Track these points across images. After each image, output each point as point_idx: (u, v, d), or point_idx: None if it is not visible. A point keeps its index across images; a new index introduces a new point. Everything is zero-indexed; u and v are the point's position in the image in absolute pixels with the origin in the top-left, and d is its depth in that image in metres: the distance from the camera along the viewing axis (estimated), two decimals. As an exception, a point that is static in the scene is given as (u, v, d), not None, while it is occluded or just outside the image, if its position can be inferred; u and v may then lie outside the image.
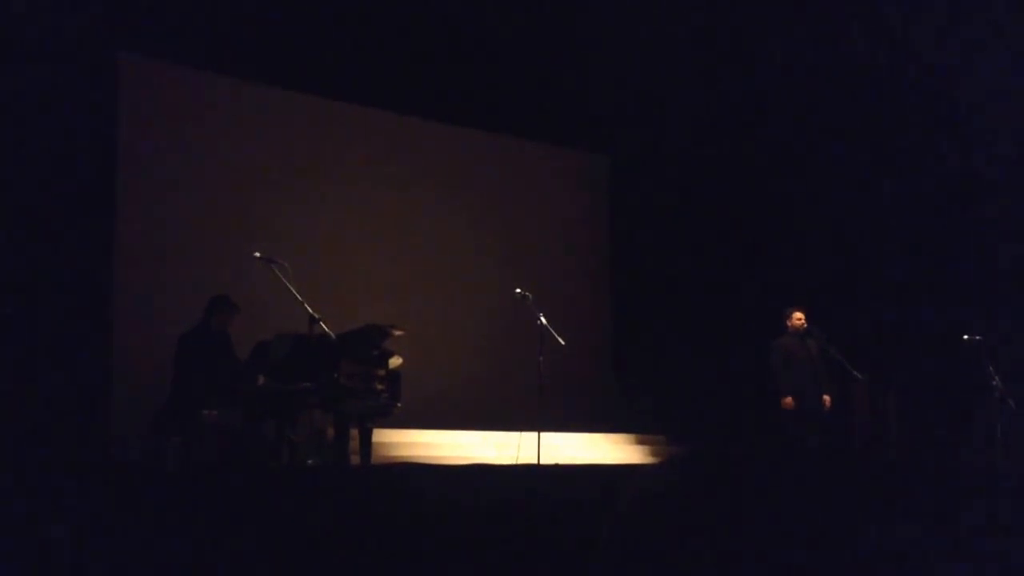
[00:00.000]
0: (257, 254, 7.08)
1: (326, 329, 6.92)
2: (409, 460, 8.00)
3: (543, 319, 7.93)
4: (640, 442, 10.40)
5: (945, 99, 9.83)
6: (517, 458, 8.15)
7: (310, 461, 7.18)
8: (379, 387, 7.14)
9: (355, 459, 7.30)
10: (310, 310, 6.91)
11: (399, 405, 7.42)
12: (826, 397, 8.67)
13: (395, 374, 7.34)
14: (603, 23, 10.19)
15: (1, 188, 7.77)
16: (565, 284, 11.03)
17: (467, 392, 10.14)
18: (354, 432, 7.25)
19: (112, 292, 8.43)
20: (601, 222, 11.99)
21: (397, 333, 7.28)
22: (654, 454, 10.13)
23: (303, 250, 8.83)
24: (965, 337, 8.48)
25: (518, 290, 8.07)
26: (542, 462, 7.60)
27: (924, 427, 9.43)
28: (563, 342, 8.00)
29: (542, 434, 7.76)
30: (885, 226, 10.49)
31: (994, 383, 8.33)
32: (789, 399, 8.61)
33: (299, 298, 6.92)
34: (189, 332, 7.22)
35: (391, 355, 7.28)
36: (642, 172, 11.75)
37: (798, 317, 8.81)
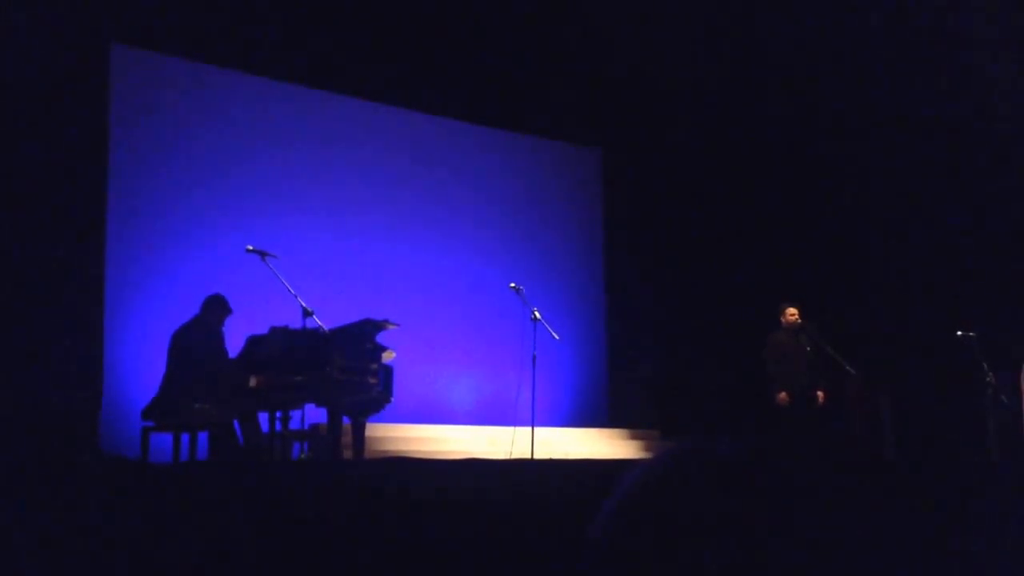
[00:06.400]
0: (249, 247, 7.05)
1: (319, 323, 6.89)
2: (402, 454, 7.98)
3: (537, 313, 7.92)
4: (634, 437, 10.39)
5: (943, 94, 9.82)
6: (511, 453, 8.14)
7: (303, 455, 7.16)
8: (372, 381, 7.12)
9: (348, 453, 7.28)
10: (303, 303, 6.89)
11: (392, 399, 7.41)
12: (820, 393, 8.67)
13: (388, 368, 7.32)
14: (595, 14, 10.16)
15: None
16: (559, 277, 11.02)
17: (461, 386, 10.13)
18: (347, 426, 7.23)
19: (104, 284, 8.39)
20: (595, 215, 11.97)
21: (391, 327, 7.26)
22: (648, 449, 10.12)
23: (296, 243, 8.80)
24: (959, 333, 8.48)
25: (512, 283, 8.06)
26: (536, 457, 7.59)
27: (917, 423, 9.43)
28: (557, 336, 7.99)
29: (536, 429, 7.75)
30: (879, 221, 10.48)
31: (987, 379, 8.33)
32: (783, 394, 8.60)
33: (292, 291, 6.90)
34: (183, 327, 7.19)
35: (384, 349, 7.26)
36: (635, 164, 11.74)
37: (792, 313, 8.80)
